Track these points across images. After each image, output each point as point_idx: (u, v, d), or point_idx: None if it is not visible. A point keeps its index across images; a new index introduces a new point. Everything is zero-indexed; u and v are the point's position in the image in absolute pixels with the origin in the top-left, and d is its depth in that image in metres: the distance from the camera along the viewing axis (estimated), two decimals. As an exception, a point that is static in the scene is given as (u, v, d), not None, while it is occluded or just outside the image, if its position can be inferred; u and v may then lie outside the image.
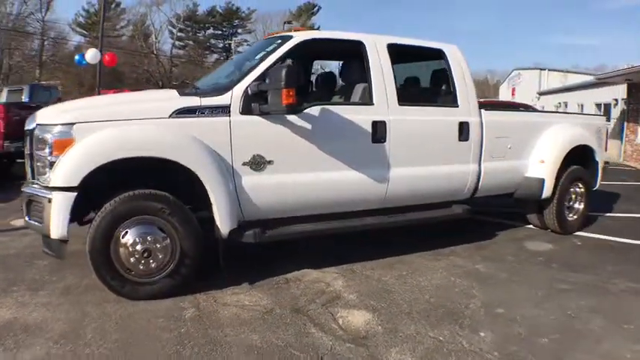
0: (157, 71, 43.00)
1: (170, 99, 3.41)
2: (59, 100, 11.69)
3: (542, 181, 4.86)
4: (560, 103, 23.98)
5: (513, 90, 34.01)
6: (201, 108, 3.28)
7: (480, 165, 4.47)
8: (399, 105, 3.94)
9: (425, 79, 4.86)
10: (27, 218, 3.25)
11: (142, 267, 3.12)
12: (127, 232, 3.09)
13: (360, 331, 2.87)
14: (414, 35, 4.51)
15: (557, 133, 5.04)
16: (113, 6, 41.50)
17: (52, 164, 3.01)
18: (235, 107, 3.34)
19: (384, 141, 3.84)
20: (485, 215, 5.79)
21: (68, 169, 2.96)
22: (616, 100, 16.66)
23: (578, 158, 5.24)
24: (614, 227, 5.58)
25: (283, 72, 3.12)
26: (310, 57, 5.29)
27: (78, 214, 3.31)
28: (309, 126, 3.52)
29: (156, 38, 45.96)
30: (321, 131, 3.59)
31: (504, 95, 36.50)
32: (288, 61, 3.31)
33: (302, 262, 3.95)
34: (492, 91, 52.43)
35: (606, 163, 6.19)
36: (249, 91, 3.37)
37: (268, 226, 3.54)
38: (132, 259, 3.09)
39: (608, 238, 5.10)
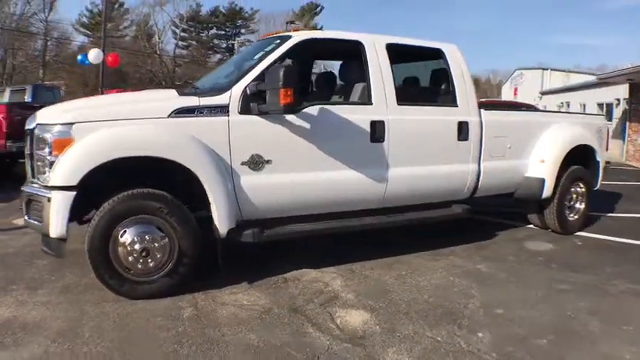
0: (161, 71, 43.09)
1: (169, 99, 3.42)
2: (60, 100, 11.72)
3: (543, 180, 4.85)
4: (562, 103, 23.93)
5: (516, 90, 33.97)
6: (200, 108, 3.29)
7: (479, 165, 4.47)
8: (398, 105, 3.93)
9: (424, 79, 4.85)
10: (27, 217, 3.27)
11: (140, 266, 3.13)
12: (125, 232, 3.10)
13: (357, 330, 2.87)
14: (416, 35, 4.52)
15: (558, 132, 5.03)
16: (116, 6, 41.63)
17: (51, 164, 3.03)
18: (234, 107, 3.35)
19: (383, 141, 3.84)
20: (485, 215, 5.79)
21: (67, 169, 2.98)
22: (618, 100, 16.62)
23: (579, 158, 5.23)
24: (615, 227, 5.56)
25: (281, 72, 3.13)
26: (309, 57, 5.29)
27: (77, 214, 3.32)
28: (307, 125, 3.52)
29: (159, 38, 46.12)
30: (320, 131, 3.59)
31: (507, 95, 36.46)
32: (287, 61, 3.32)
33: (301, 262, 3.96)
34: (495, 91, 52.38)
35: (607, 162, 6.17)
36: (248, 91, 3.38)
37: (267, 225, 3.54)
38: (130, 258, 3.10)
39: (608, 239, 5.08)
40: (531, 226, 5.47)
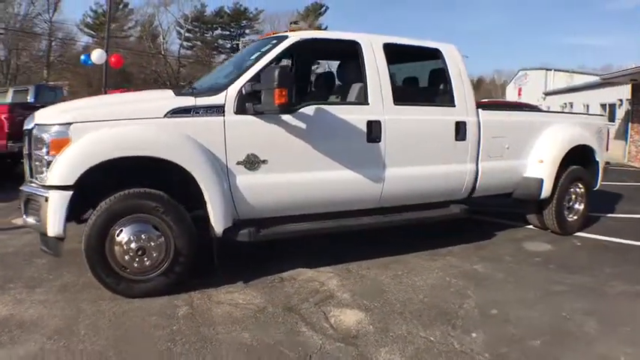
0: (165, 72, 43.20)
1: (165, 99, 3.44)
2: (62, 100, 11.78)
3: (541, 181, 4.84)
4: (565, 104, 23.84)
5: (520, 90, 33.87)
6: (196, 108, 3.30)
7: (477, 165, 4.46)
8: (395, 105, 3.93)
9: (422, 79, 4.85)
10: (25, 216, 3.29)
11: (136, 265, 3.15)
12: (121, 231, 3.13)
13: (351, 330, 2.87)
14: (420, 36, 4.53)
15: (556, 132, 5.02)
16: (121, 7, 41.76)
17: (49, 163, 3.06)
18: (230, 107, 3.36)
19: (379, 141, 3.84)
20: (484, 215, 5.78)
21: (64, 168, 3.00)
22: (620, 100, 16.53)
23: (578, 158, 5.21)
24: (615, 228, 5.54)
25: (276, 72, 3.14)
26: (307, 57, 5.30)
27: (75, 213, 3.35)
28: (303, 125, 3.53)
29: (164, 39, 46.19)
30: (316, 131, 3.60)
31: (511, 95, 36.36)
32: (284, 62, 3.34)
33: (297, 262, 3.97)
34: (500, 91, 52.24)
35: (607, 163, 6.14)
36: (244, 91, 3.39)
37: (263, 225, 3.56)
38: (127, 257, 3.13)
39: (608, 239, 5.06)
40: (531, 226, 5.46)
